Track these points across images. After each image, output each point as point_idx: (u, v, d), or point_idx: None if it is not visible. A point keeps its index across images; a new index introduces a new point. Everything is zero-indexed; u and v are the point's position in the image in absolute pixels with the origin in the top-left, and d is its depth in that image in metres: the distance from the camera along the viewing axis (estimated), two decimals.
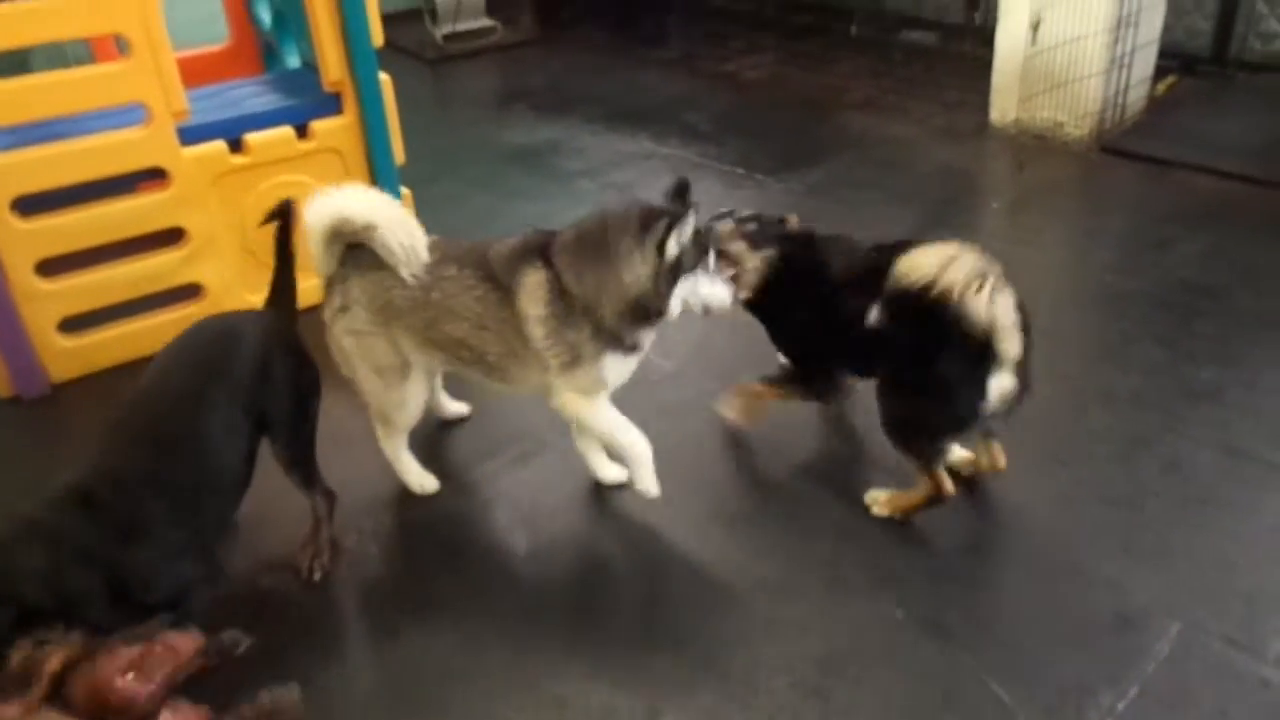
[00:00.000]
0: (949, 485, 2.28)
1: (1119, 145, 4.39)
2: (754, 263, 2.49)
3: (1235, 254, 3.50)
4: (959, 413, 2.20)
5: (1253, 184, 3.97)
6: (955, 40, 5.94)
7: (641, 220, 2.14)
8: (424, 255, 2.26)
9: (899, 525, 2.35)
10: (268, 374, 2.13)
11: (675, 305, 2.21)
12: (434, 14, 6.48)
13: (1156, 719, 1.85)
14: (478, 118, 5.57)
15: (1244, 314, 3.13)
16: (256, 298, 3.28)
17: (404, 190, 3.47)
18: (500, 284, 2.23)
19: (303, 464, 2.26)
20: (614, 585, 2.29)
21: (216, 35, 4.05)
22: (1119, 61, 4.34)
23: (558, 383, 2.28)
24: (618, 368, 2.28)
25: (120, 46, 2.91)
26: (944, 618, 2.09)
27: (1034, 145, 4.49)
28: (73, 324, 3.04)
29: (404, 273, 2.24)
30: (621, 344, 2.24)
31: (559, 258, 2.20)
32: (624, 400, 2.88)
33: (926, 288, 2.08)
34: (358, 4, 3.09)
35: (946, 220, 3.90)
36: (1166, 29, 4.70)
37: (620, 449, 2.38)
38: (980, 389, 2.14)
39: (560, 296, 2.18)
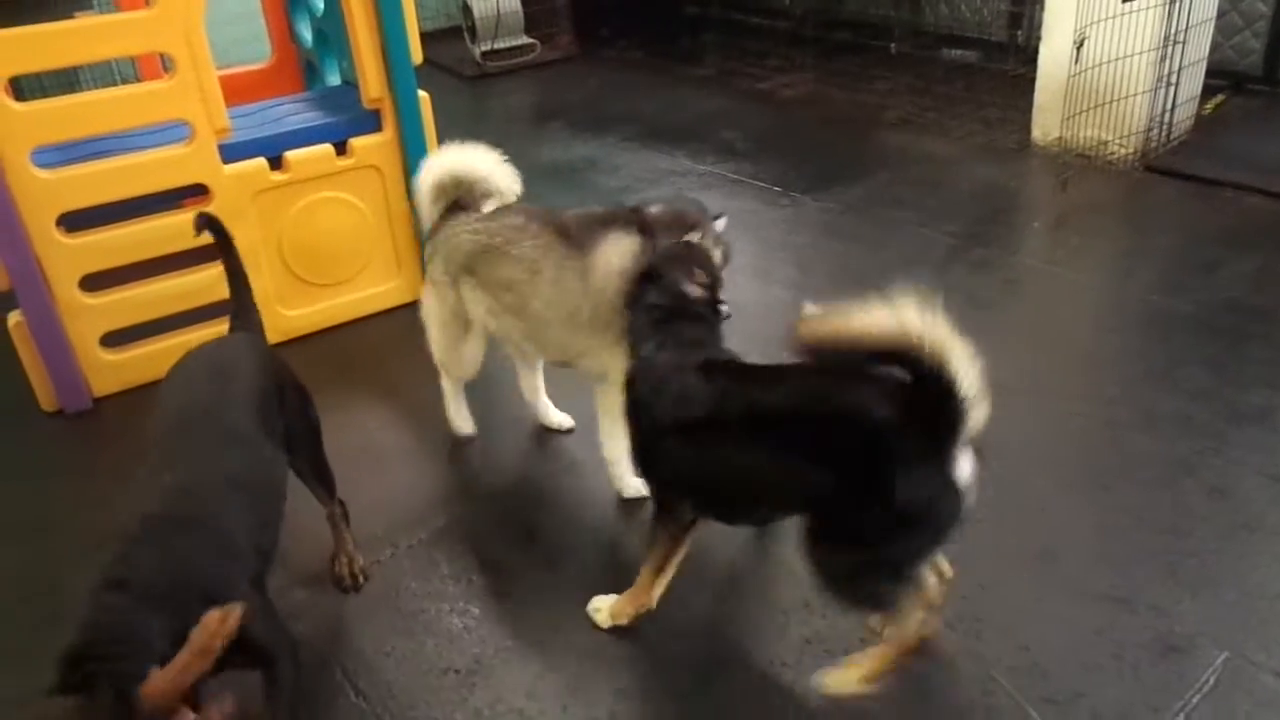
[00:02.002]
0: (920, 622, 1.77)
1: (1165, 164, 4.31)
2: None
3: None
4: (937, 523, 1.63)
5: None
6: (997, 58, 5.89)
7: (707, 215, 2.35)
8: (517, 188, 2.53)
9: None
10: (280, 393, 2.06)
11: None
12: (473, 31, 6.55)
13: None
14: (515, 134, 5.60)
15: None
16: (292, 313, 3.35)
17: None
18: (570, 239, 2.32)
19: (325, 472, 2.26)
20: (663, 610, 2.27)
21: (260, 54, 4.12)
22: (1165, 80, 4.26)
23: (612, 355, 2.29)
24: None
25: (165, 65, 2.96)
26: (981, 643, 2.04)
27: (1077, 164, 4.42)
28: (115, 338, 3.09)
29: (497, 202, 2.47)
30: None
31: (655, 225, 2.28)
32: None
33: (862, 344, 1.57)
34: (398, 22, 3.12)
35: (986, 239, 3.84)
36: (1215, 47, 4.62)
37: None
38: (954, 483, 1.60)
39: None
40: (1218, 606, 2.10)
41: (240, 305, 2.29)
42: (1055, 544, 2.32)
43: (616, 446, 2.44)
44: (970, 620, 2.11)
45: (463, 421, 2.82)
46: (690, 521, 2.00)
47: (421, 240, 2.79)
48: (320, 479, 2.25)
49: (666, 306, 2.03)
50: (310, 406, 2.21)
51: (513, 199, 2.54)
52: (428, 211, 2.57)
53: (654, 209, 2.32)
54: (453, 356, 2.65)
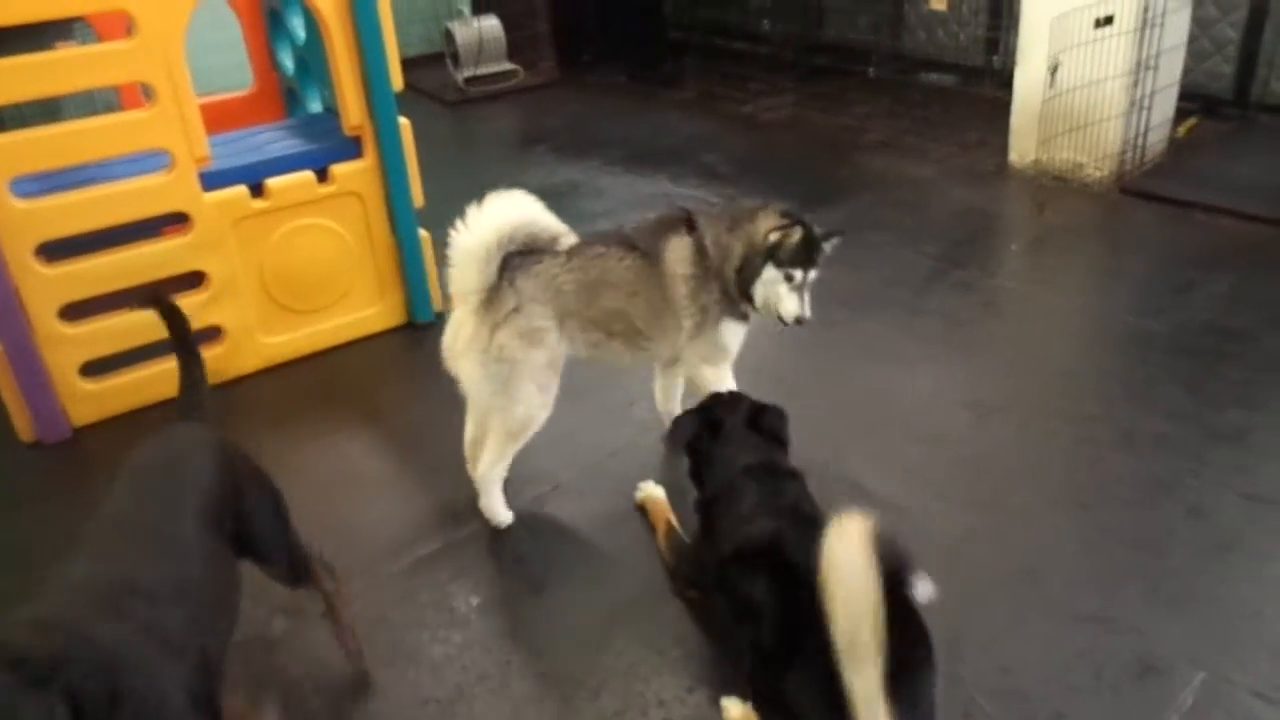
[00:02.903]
0: None
1: (1140, 187, 4.36)
2: None
3: (1259, 296, 3.46)
4: None
5: (1275, 226, 3.93)
6: (974, 82, 5.96)
7: (778, 211, 2.47)
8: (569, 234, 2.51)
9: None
10: (236, 490, 1.84)
11: (757, 291, 2.45)
12: (455, 57, 6.59)
13: None
14: (498, 159, 5.63)
15: (1268, 357, 3.09)
16: (274, 340, 3.34)
17: (423, 232, 3.51)
18: (644, 252, 2.48)
19: (302, 566, 2.02)
20: (624, 639, 2.26)
21: (241, 82, 4.13)
22: (1139, 104, 4.33)
23: (688, 351, 2.58)
24: (734, 334, 2.58)
25: (146, 94, 2.97)
26: (959, 665, 2.05)
27: (1054, 186, 4.48)
28: (94, 368, 3.07)
29: (564, 244, 2.45)
30: (736, 310, 2.52)
31: (704, 222, 2.50)
32: (642, 438, 2.87)
33: None
34: (378, 49, 3.14)
35: (965, 261, 3.88)
36: (1187, 72, 4.69)
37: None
38: None
39: (700, 260, 2.48)
40: (1196, 626, 2.11)
41: (191, 391, 2.04)
42: (1036, 563, 2.33)
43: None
44: (950, 641, 2.10)
45: (501, 511, 2.58)
46: None
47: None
48: (293, 569, 2.00)
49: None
50: (273, 497, 1.98)
51: (574, 239, 2.51)
52: (485, 271, 2.34)
53: (710, 210, 2.60)
54: (541, 405, 2.47)
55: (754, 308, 2.51)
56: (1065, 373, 3.20)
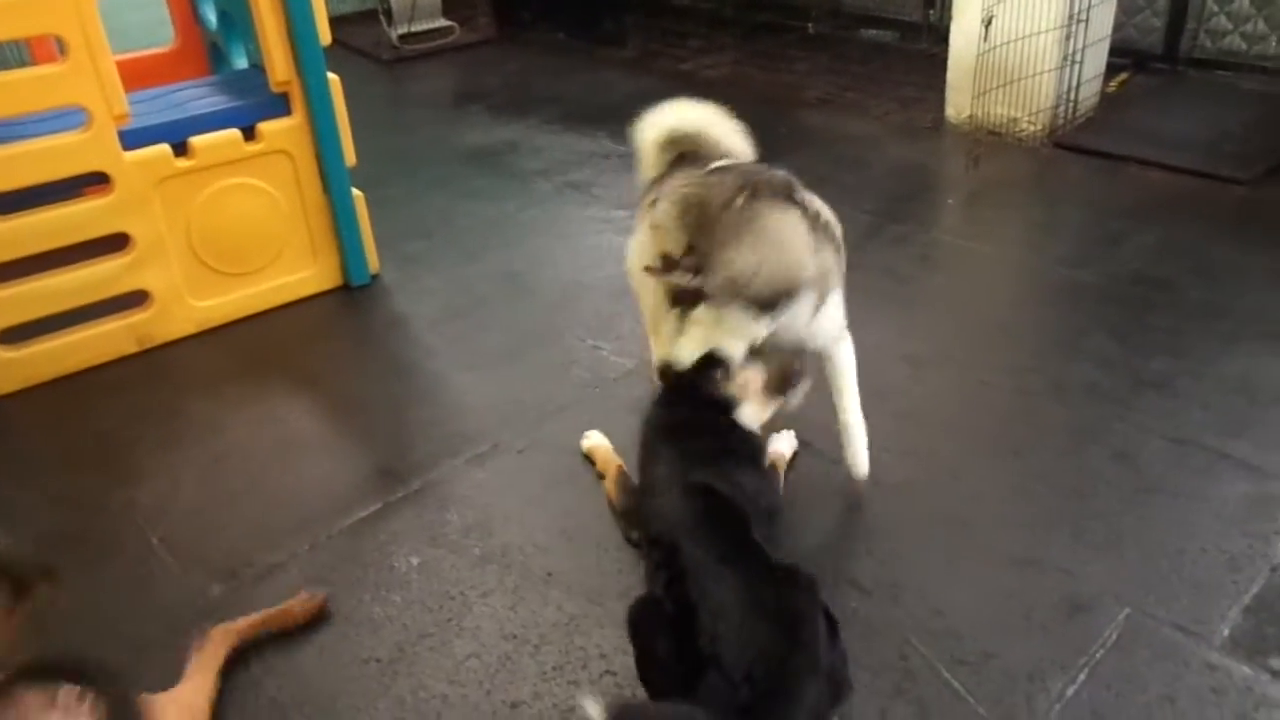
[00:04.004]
0: None
1: (1072, 141, 4.42)
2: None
3: (1185, 247, 3.54)
4: None
5: (1202, 178, 4.02)
6: (912, 38, 5.98)
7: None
8: (747, 150, 2.45)
9: (850, 518, 2.35)
10: None
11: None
12: (389, 14, 6.42)
13: (1104, 703, 1.85)
14: (434, 118, 5.52)
15: (1194, 306, 3.17)
16: (205, 303, 3.26)
17: (356, 192, 3.43)
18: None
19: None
20: (564, 594, 2.26)
21: (162, 38, 3.99)
22: (1071, 58, 4.37)
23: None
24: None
25: (59, 48, 2.84)
26: (895, 608, 2.09)
27: (989, 141, 4.52)
28: (13, 334, 2.97)
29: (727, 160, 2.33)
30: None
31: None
32: (582, 397, 2.87)
33: None
34: (303, 2, 3.04)
35: (903, 216, 3.91)
36: (1118, 27, 4.75)
37: (854, 409, 2.39)
38: None
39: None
40: (1121, 565, 2.17)
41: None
42: (969, 510, 2.38)
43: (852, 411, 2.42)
44: (887, 586, 2.15)
45: None
46: None
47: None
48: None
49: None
50: None
51: (743, 159, 2.45)
52: (653, 162, 2.47)
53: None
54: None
55: None
56: (1000, 324, 3.25)
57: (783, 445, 2.52)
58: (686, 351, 2.07)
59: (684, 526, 1.83)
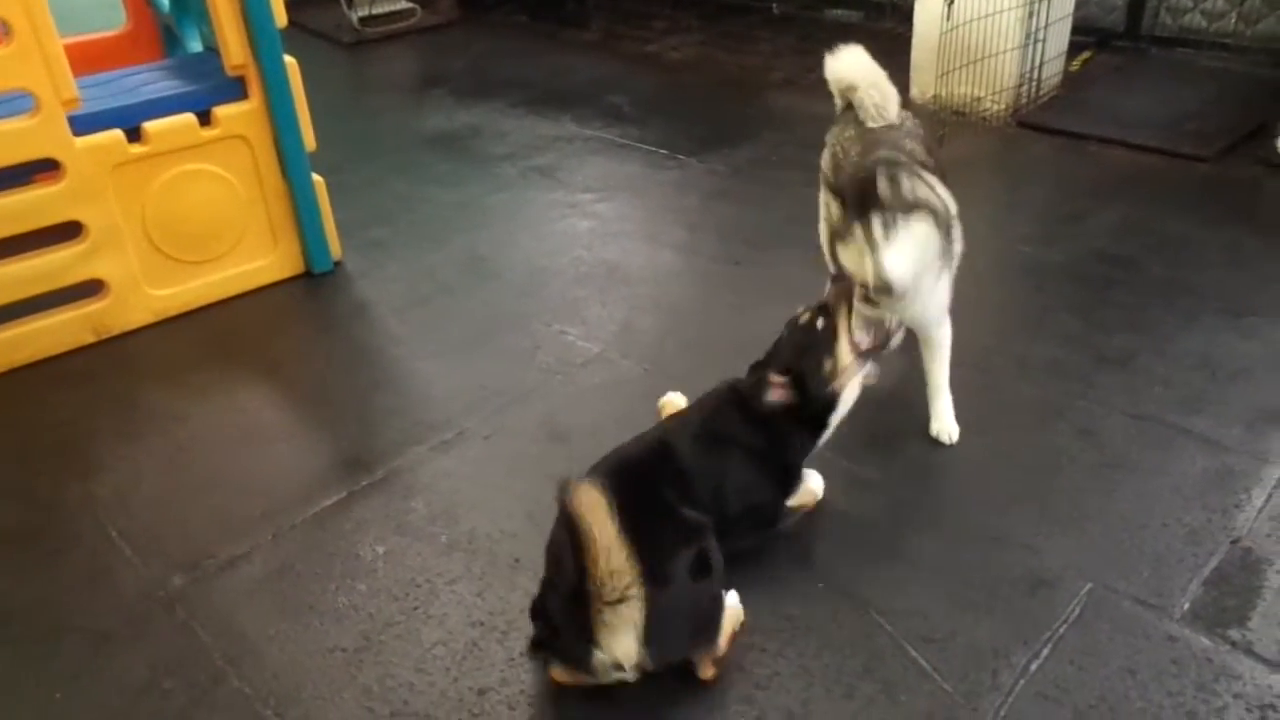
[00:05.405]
0: None
1: (1035, 120, 4.45)
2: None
3: (1147, 225, 3.57)
4: None
5: (1163, 155, 4.06)
6: (877, 17, 5.98)
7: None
8: (892, 115, 2.63)
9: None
10: None
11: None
12: None
13: (1067, 677, 1.87)
14: (396, 103, 5.46)
15: (1155, 283, 3.20)
16: (163, 292, 3.21)
17: (316, 177, 3.38)
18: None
19: None
20: (531, 579, 2.25)
21: (113, 21, 3.90)
22: (1033, 37, 4.39)
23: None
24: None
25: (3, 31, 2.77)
26: (863, 587, 2.10)
27: (953, 120, 4.53)
28: None
29: (870, 124, 2.61)
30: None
31: None
32: (548, 383, 2.86)
33: None
34: None
35: None
36: (1081, 5, 4.78)
37: (942, 372, 2.55)
38: None
39: None
40: (1083, 540, 2.20)
41: None
42: (934, 489, 2.40)
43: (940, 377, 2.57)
44: (856, 565, 2.16)
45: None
46: None
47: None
48: None
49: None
50: None
51: (890, 120, 2.65)
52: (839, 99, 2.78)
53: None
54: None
55: None
56: (964, 302, 3.24)
57: (815, 483, 2.33)
58: (897, 262, 2.23)
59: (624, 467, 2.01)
